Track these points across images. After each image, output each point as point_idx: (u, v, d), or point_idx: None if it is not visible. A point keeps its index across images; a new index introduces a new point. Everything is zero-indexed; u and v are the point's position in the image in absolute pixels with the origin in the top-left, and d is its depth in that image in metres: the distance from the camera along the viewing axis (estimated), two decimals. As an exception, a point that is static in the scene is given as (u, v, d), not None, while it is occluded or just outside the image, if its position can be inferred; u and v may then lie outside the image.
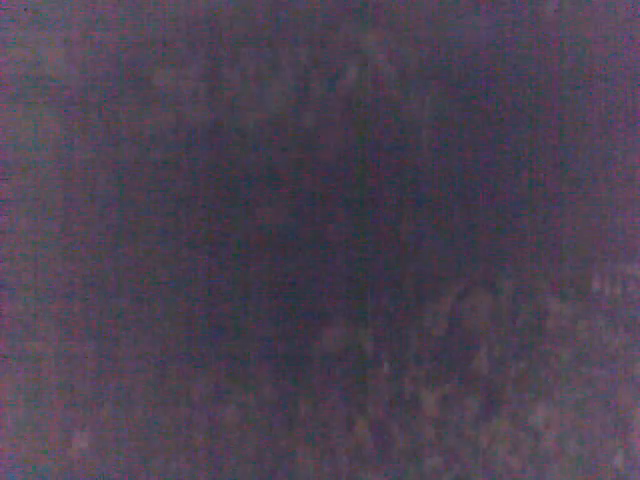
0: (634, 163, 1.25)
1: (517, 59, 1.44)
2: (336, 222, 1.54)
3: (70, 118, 1.50)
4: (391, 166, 1.57)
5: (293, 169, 1.58)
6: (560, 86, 1.42)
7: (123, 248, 1.50)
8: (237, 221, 1.54)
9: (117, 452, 1.41)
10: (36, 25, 1.40)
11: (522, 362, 1.50)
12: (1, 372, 1.43)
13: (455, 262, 1.49)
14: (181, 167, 1.58)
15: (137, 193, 1.53)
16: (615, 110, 1.46)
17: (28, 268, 1.42)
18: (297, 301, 1.46)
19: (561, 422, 1.47)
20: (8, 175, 1.42)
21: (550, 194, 1.43)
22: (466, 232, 1.53)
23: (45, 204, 1.47)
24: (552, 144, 1.47)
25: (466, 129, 1.55)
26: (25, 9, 1.38)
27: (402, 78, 1.59)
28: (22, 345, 1.43)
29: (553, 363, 1.51)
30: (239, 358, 1.46)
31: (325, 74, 1.61)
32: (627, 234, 1.40)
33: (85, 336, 1.44)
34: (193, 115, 1.58)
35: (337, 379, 1.44)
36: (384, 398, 1.44)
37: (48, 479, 1.37)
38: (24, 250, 1.44)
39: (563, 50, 1.39)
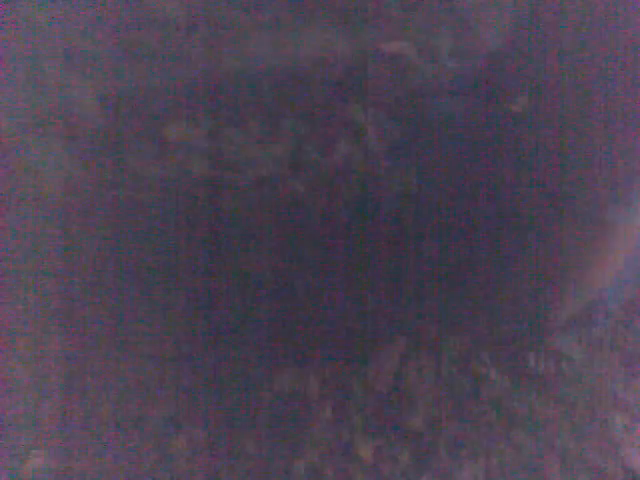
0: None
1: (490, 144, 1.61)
2: (305, 277, 1.68)
3: (85, 156, 1.63)
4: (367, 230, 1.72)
5: (280, 226, 1.72)
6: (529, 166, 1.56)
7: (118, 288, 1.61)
8: (222, 268, 1.67)
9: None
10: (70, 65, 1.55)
11: (456, 423, 1.60)
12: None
13: (403, 321, 1.62)
14: (178, 212, 1.72)
15: (134, 232, 1.66)
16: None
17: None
18: (249, 345, 1.57)
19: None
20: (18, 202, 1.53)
21: (495, 261, 1.57)
22: (417, 292, 1.66)
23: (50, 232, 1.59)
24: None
25: (441, 202, 1.71)
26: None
27: (389, 152, 1.77)
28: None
29: (484, 428, 1.62)
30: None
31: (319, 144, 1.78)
32: (564, 308, 1.53)
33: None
34: (196, 169, 1.73)
35: (282, 420, 1.53)
36: (323, 443, 1.53)
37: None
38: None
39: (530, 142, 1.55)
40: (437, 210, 1.70)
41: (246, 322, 1.63)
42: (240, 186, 1.77)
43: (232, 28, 1.64)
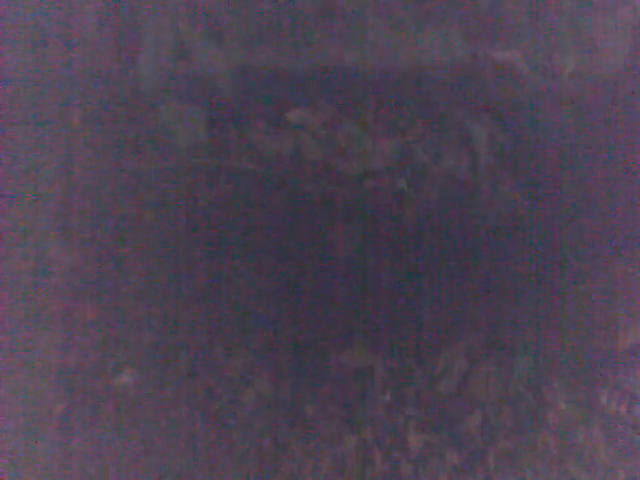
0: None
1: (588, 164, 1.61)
2: (390, 267, 1.75)
3: (213, 123, 1.79)
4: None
5: (376, 219, 1.81)
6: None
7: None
8: (312, 247, 1.78)
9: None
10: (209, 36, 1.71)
11: (512, 439, 1.61)
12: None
13: (477, 324, 1.65)
14: (282, 191, 1.85)
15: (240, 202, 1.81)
16: None
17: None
18: (328, 319, 1.66)
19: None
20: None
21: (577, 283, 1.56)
22: (497, 301, 1.69)
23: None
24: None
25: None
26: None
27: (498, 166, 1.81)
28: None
29: (539, 450, 1.61)
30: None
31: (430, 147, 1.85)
32: (626, 338, 1.50)
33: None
34: (309, 152, 1.86)
35: (344, 393, 1.61)
36: (378, 424, 1.59)
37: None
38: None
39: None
40: (537, 230, 1.72)
41: (329, 300, 1.72)
42: (347, 175, 1.87)
43: (358, 23, 1.75)
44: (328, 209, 1.89)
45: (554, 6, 1.59)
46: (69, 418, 1.60)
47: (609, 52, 1.56)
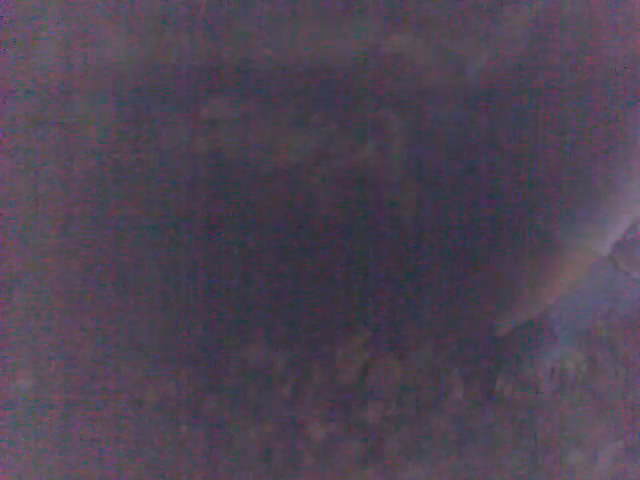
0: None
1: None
2: (296, 264, 1.78)
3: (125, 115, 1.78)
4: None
5: (288, 216, 1.83)
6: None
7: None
8: (222, 247, 1.79)
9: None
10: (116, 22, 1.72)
11: (411, 427, 1.66)
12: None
13: (375, 316, 1.69)
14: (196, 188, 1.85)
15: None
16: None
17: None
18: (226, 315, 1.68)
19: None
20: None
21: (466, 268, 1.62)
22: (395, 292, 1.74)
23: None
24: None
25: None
26: None
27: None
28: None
29: (438, 437, 1.66)
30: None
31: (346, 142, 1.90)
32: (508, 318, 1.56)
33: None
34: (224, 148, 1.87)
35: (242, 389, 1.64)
36: (278, 417, 1.61)
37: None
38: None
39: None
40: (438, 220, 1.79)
41: (231, 298, 1.74)
42: (262, 171, 1.90)
43: (271, 14, 1.79)
44: (241, 204, 1.90)
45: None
46: None
47: (513, 45, 1.63)
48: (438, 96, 1.76)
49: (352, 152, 1.91)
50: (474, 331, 1.63)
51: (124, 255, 1.78)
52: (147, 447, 1.58)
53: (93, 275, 1.72)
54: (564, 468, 1.67)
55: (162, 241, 1.82)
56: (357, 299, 1.77)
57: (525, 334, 1.49)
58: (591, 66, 1.25)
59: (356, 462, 1.61)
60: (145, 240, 1.81)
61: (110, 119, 1.75)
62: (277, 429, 1.62)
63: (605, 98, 1.25)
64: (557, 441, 1.71)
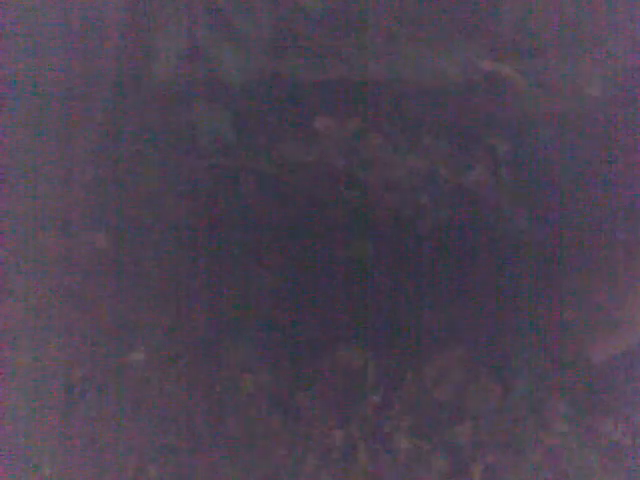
0: None
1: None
2: (397, 274, 1.78)
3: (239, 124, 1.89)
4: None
5: (391, 229, 1.85)
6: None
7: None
8: (328, 249, 1.83)
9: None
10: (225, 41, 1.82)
11: (497, 457, 1.59)
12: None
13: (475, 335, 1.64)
14: (306, 197, 1.91)
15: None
16: None
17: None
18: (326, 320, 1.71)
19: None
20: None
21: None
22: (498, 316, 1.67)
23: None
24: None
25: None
26: None
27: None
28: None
29: (530, 471, 1.58)
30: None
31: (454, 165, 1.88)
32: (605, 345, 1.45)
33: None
34: (335, 161, 1.93)
35: (335, 389, 1.66)
36: (366, 422, 1.61)
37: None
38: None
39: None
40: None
41: (328, 302, 1.77)
42: (370, 185, 1.92)
43: (385, 37, 1.79)
44: (346, 217, 1.93)
45: (574, 24, 1.58)
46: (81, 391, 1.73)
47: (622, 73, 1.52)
48: (541, 121, 1.69)
49: (462, 174, 1.88)
50: (571, 359, 1.53)
51: (240, 257, 1.88)
52: (238, 432, 1.65)
53: (202, 275, 1.83)
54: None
55: (273, 245, 1.90)
56: (458, 315, 1.73)
57: (623, 364, 1.37)
58: None
59: (438, 479, 1.58)
60: (256, 245, 1.89)
61: (224, 129, 1.84)
62: (363, 435, 1.62)
63: None
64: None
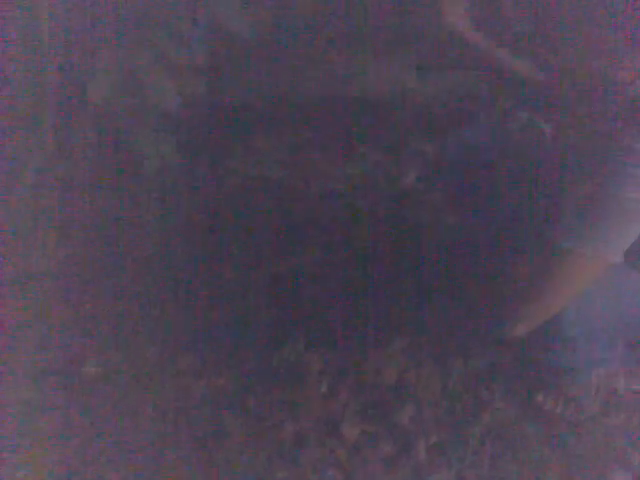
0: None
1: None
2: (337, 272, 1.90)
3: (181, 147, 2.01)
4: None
5: (333, 235, 1.97)
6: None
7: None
8: (263, 257, 1.94)
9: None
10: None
11: (445, 433, 1.68)
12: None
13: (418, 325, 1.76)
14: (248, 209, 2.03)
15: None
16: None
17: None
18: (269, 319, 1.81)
19: None
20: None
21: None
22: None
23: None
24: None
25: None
26: None
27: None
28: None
29: (472, 445, 1.67)
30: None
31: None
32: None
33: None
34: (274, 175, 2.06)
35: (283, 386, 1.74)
36: (314, 414, 1.69)
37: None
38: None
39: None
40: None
41: (273, 306, 1.88)
42: (309, 195, 2.05)
43: (315, 55, 1.95)
44: (287, 226, 2.05)
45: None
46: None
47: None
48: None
49: (397, 179, 2.03)
50: (500, 338, 1.65)
51: (187, 266, 1.97)
52: (190, 435, 1.70)
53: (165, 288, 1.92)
54: (605, 487, 1.62)
55: (212, 257, 2.00)
56: (395, 308, 1.84)
57: (541, 339, 1.49)
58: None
59: (385, 461, 1.65)
60: (198, 257, 1.99)
61: (168, 152, 1.95)
62: (313, 425, 1.70)
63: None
64: (599, 461, 1.66)
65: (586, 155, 1.30)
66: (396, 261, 1.91)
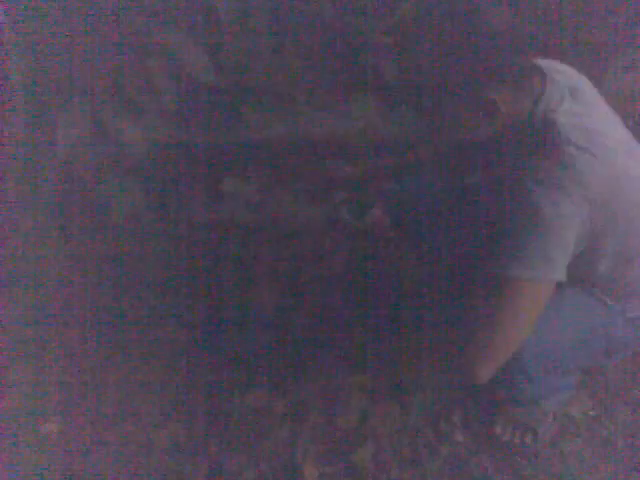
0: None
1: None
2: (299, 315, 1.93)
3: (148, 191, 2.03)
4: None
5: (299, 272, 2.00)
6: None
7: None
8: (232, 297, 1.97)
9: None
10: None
11: (401, 472, 1.70)
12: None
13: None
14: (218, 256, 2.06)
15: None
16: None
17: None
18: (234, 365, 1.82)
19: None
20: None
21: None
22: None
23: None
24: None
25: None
26: None
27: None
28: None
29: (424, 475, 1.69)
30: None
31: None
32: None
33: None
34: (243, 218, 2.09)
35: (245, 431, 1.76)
36: (276, 457, 1.71)
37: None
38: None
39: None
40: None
41: (234, 350, 1.90)
42: (277, 236, 2.08)
43: (282, 99, 2.00)
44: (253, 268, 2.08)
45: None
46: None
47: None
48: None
49: (360, 216, 2.07)
50: (461, 377, 1.67)
51: (151, 314, 2.00)
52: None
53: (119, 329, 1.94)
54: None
55: (182, 300, 2.02)
56: (356, 347, 1.87)
57: (504, 378, 1.50)
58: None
59: (348, 503, 1.67)
60: (166, 299, 2.02)
61: (137, 197, 1.98)
62: (274, 469, 1.71)
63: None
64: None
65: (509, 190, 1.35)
66: (358, 297, 1.95)
